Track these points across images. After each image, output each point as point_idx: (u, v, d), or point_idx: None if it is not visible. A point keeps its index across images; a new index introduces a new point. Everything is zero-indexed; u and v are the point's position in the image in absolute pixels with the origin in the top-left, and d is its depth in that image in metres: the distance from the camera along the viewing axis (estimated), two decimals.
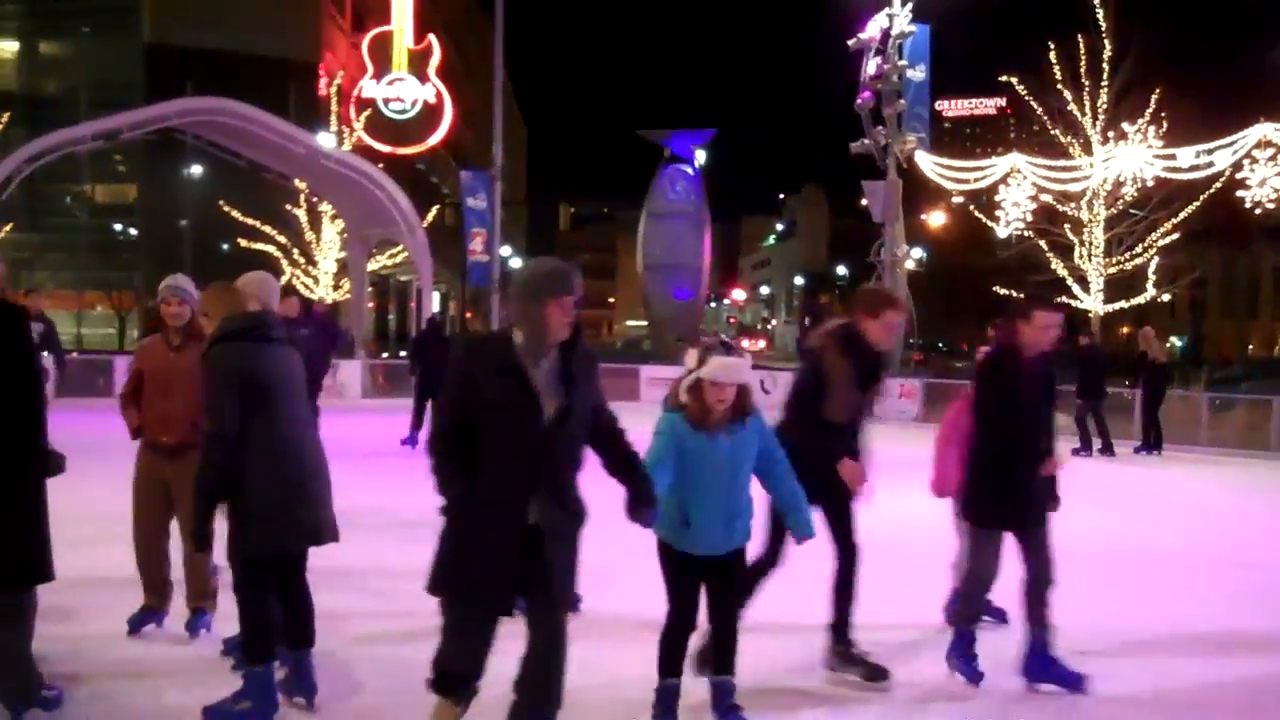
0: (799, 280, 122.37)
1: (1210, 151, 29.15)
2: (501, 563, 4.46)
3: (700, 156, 51.23)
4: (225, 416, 5.51)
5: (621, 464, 4.85)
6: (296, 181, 36.14)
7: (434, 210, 45.25)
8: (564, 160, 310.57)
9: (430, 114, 47.93)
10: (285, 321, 9.75)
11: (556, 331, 4.52)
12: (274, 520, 5.60)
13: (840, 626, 6.67)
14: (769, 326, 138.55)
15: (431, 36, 49.70)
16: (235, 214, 39.55)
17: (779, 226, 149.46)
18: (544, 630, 4.62)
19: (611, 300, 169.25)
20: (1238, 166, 29.04)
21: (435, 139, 49.01)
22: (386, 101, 46.55)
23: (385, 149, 44.64)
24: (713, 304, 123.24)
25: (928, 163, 32.56)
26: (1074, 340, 20.99)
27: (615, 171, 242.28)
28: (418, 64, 48.13)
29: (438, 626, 4.59)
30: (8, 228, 39.32)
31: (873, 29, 30.42)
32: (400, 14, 49.14)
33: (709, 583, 5.60)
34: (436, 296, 51.67)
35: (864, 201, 31.90)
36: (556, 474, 4.55)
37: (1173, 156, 30.40)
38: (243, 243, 40.35)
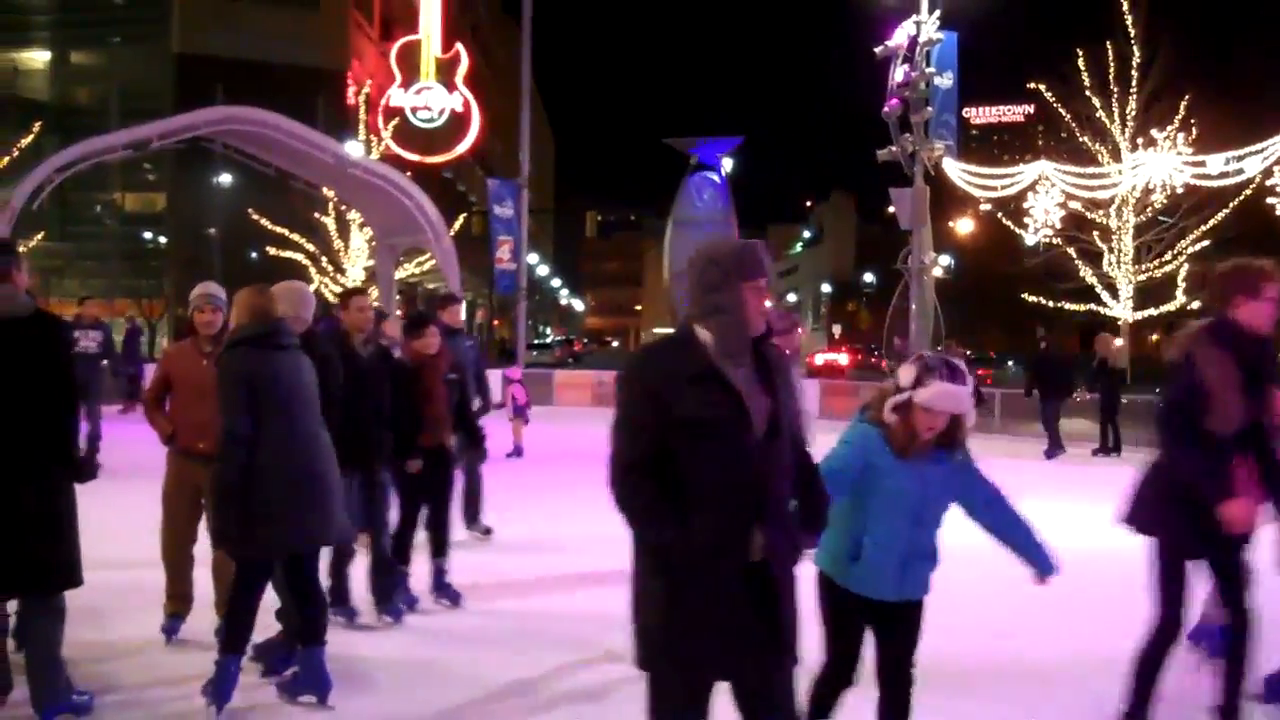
0: (826, 288, 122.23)
1: (1240, 158, 29.00)
2: (733, 614, 3.65)
3: (727, 164, 51.18)
4: (236, 418, 5.72)
5: (802, 476, 3.99)
6: (325, 190, 36.29)
7: (461, 218, 45.34)
8: (591, 168, 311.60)
9: (458, 122, 48.05)
10: (448, 332, 9.42)
11: (755, 322, 3.74)
12: (276, 522, 5.77)
13: (1229, 709, 5.54)
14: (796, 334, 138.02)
15: (459, 45, 49.84)
16: (264, 222, 39.74)
17: (806, 234, 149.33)
18: (776, 686, 3.81)
19: (638, 308, 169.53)
20: (1268, 173, 28.86)
21: (463, 147, 49.11)
22: (414, 110, 46.66)
23: (413, 157, 44.76)
24: None
25: (955, 170, 32.47)
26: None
27: (642, 179, 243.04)
28: (445, 72, 48.26)
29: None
30: (39, 236, 39.63)
31: (900, 36, 30.28)
32: (428, 23, 49.29)
33: (878, 635, 4.78)
34: (463, 304, 51.77)
35: (891, 209, 31.81)
36: (778, 496, 3.79)
37: (1202, 163, 30.25)
38: (271, 251, 40.58)
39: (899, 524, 4.62)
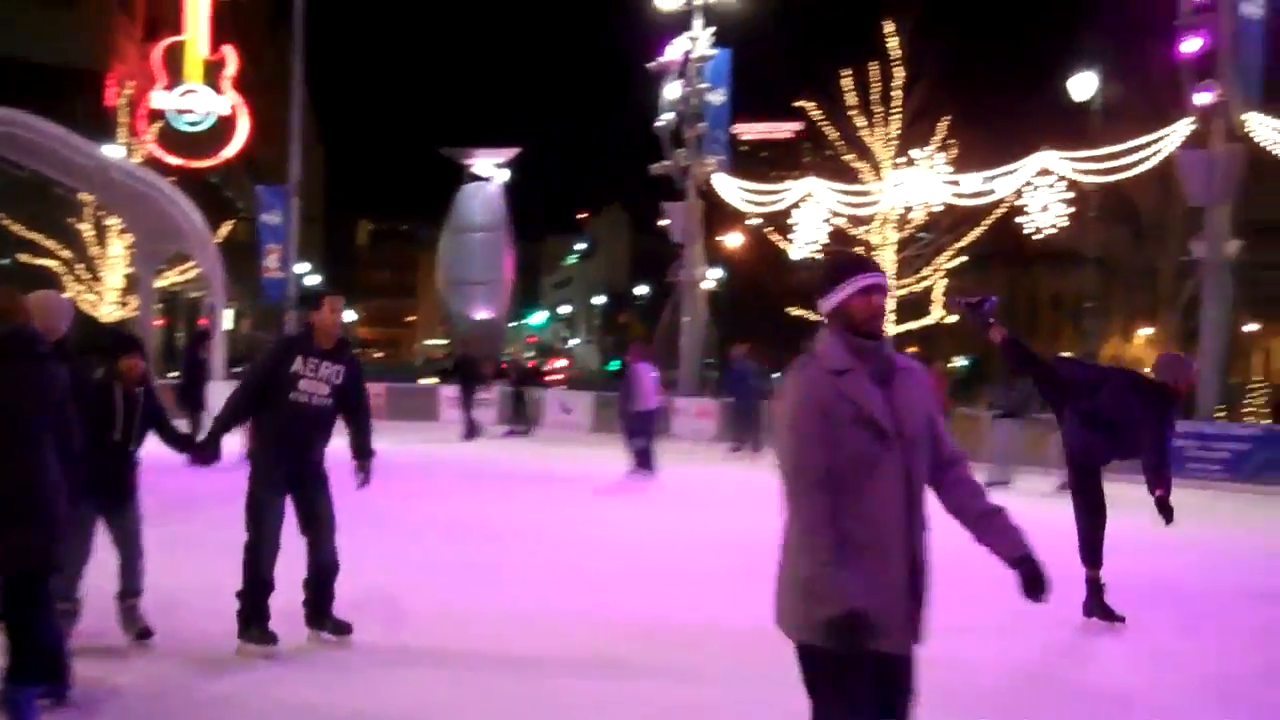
0: (599, 300, 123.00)
1: (992, 179, 29.93)
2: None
3: (503, 175, 51.16)
4: None
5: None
6: (82, 195, 34.91)
7: (228, 225, 44.20)
8: (363, 176, 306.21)
9: (225, 126, 46.80)
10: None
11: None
12: None
13: None
14: (569, 345, 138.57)
15: (227, 47, 48.57)
16: (16, 228, 38.08)
17: (580, 246, 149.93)
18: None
19: (411, 319, 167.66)
20: (1018, 194, 29.85)
21: (229, 152, 47.82)
22: (179, 113, 45.30)
23: (177, 162, 43.41)
24: (513, 323, 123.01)
25: (727, 185, 33.01)
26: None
27: (416, 188, 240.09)
28: (212, 75, 46.95)
29: None
30: None
31: (674, 52, 30.82)
32: (194, 23, 47.89)
33: None
34: (229, 314, 50.49)
35: (665, 222, 32.24)
36: None
37: (958, 183, 31.22)
38: (22, 258, 38.86)
39: None
